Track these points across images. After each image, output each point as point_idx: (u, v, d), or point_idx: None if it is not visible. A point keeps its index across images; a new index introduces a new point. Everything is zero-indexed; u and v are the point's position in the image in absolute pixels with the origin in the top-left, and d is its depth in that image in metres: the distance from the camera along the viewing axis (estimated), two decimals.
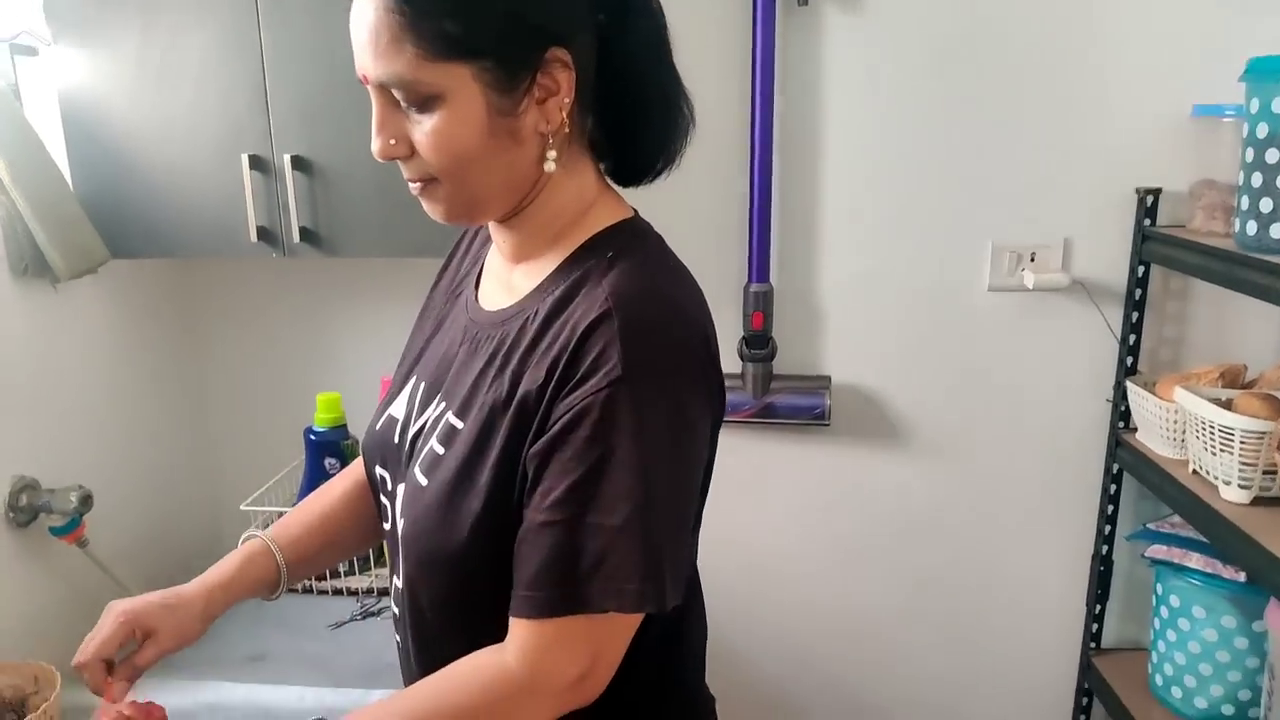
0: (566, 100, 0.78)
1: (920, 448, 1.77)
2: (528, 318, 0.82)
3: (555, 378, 0.77)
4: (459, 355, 0.87)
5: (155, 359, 1.68)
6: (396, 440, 0.90)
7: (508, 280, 0.88)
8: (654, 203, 1.68)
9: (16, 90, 1.44)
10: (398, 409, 0.93)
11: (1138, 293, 1.63)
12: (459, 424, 0.83)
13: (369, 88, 0.78)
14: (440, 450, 0.83)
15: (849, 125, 1.65)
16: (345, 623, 1.35)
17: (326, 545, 1.05)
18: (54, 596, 1.41)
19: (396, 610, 0.93)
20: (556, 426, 0.75)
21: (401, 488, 0.88)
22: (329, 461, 1.43)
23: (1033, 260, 1.67)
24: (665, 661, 0.91)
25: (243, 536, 1.04)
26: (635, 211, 0.89)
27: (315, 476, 1.42)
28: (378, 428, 0.95)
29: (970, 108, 1.62)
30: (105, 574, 1.45)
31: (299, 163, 1.40)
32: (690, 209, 1.69)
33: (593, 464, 0.74)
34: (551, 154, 0.79)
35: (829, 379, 1.74)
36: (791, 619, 1.87)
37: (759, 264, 1.67)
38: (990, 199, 1.66)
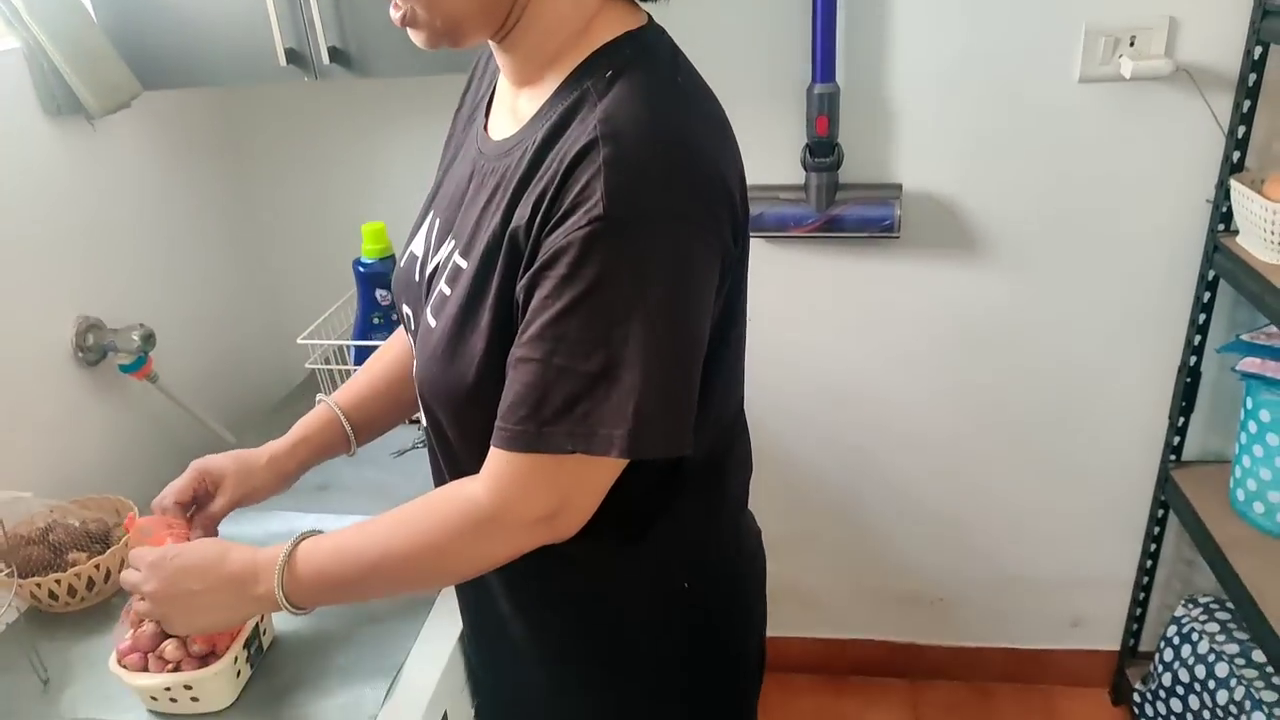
0: None
1: (1000, 257, 1.67)
2: (525, 148, 0.76)
3: (541, 212, 0.72)
4: (468, 192, 0.83)
5: (201, 193, 1.67)
6: (417, 279, 0.88)
7: (514, 106, 0.82)
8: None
9: None
10: (417, 246, 0.90)
11: (1251, 78, 1.44)
12: (464, 264, 0.79)
13: None
14: (447, 291, 0.81)
15: None
16: (407, 450, 1.38)
17: (391, 405, 1.07)
18: (131, 431, 1.48)
19: (427, 442, 0.94)
20: (538, 263, 0.71)
21: (419, 327, 0.86)
22: (380, 293, 1.42)
23: (1132, 45, 1.48)
24: (706, 503, 0.90)
25: (316, 399, 1.08)
26: (649, 19, 0.80)
27: (368, 309, 1.42)
28: (402, 265, 0.93)
29: None
30: (178, 406, 1.50)
31: None
32: (745, 4, 1.54)
33: (565, 304, 0.70)
34: None
35: (900, 187, 1.62)
36: (856, 431, 1.86)
37: (823, 62, 1.52)
38: None
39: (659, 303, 0.70)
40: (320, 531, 0.89)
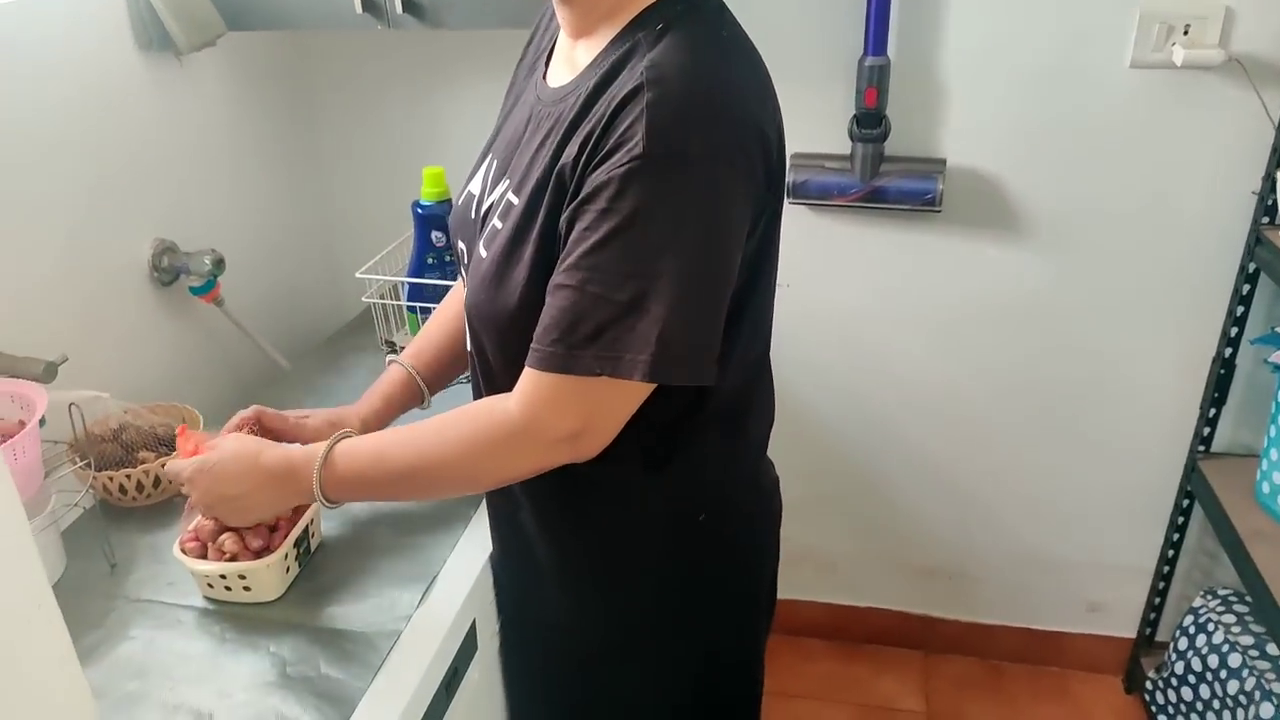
0: None
1: (1038, 239, 1.69)
2: (579, 94, 0.81)
3: (587, 150, 0.77)
4: (525, 134, 0.89)
5: (273, 130, 1.76)
6: (473, 216, 0.94)
7: (571, 56, 0.87)
8: None
9: None
10: (475, 185, 0.96)
11: None
12: (515, 200, 0.85)
13: None
14: (499, 225, 0.87)
15: None
16: (452, 384, 1.45)
17: (455, 357, 1.14)
18: (197, 349, 1.57)
19: (469, 373, 1.01)
20: (581, 196, 0.77)
21: (473, 260, 0.92)
22: (435, 235, 1.49)
23: (1186, 33, 1.50)
24: (727, 441, 0.95)
25: (388, 360, 1.16)
26: None
27: (423, 249, 1.49)
28: (459, 204, 0.99)
29: None
30: (239, 330, 1.60)
31: None
32: None
33: (602, 236, 0.75)
34: None
35: (944, 162, 1.66)
36: (884, 399, 1.89)
37: (876, 35, 1.56)
38: None
39: (690, 239, 0.75)
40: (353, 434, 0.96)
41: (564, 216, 0.79)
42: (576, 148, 0.78)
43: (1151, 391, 1.77)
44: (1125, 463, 1.84)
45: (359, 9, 1.44)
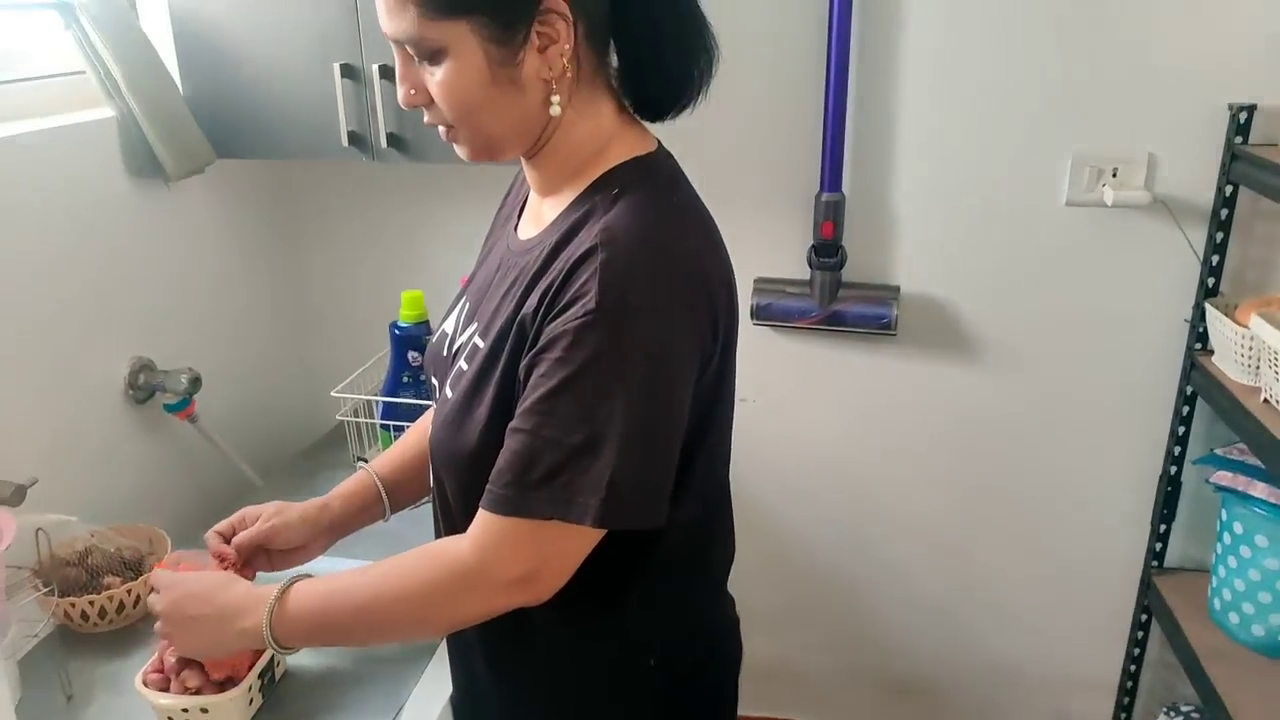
0: (566, 47, 0.81)
1: (989, 361, 1.78)
2: (542, 249, 0.87)
3: (545, 303, 0.82)
4: (494, 281, 0.94)
5: (256, 254, 1.82)
6: (445, 354, 0.98)
7: (538, 212, 0.93)
8: (727, 112, 1.71)
9: (133, 3, 1.55)
10: (449, 325, 1.01)
11: (1224, 213, 1.57)
12: (481, 344, 0.90)
13: (392, 42, 0.83)
14: (465, 367, 0.91)
15: (927, 33, 1.61)
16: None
17: (424, 474, 1.12)
18: (169, 465, 1.58)
19: (433, 505, 1.02)
20: (539, 346, 0.81)
21: (440, 398, 0.96)
22: (411, 354, 1.53)
23: (1115, 175, 1.62)
24: (683, 580, 0.97)
25: (356, 465, 1.16)
26: (658, 144, 0.91)
27: (399, 368, 1.54)
28: (433, 341, 1.03)
29: (1055, 15, 1.57)
30: (213, 447, 1.61)
31: (386, 72, 1.47)
32: (765, 117, 1.69)
33: (556, 384, 0.79)
34: (555, 98, 0.83)
35: (898, 289, 1.75)
36: (851, 514, 1.93)
37: (831, 173, 1.67)
38: (1072, 111, 1.61)
39: (639, 387, 0.79)
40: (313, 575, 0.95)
41: (523, 364, 0.83)
42: (536, 300, 0.83)
43: (1106, 507, 1.83)
44: (1086, 577, 1.88)
45: (345, 142, 1.52)
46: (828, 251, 1.72)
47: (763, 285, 1.77)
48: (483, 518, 0.83)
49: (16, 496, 1.15)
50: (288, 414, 1.90)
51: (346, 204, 1.88)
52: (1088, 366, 1.75)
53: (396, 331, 1.54)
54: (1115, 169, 1.62)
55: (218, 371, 1.64)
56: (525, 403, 0.81)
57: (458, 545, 0.85)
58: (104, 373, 1.45)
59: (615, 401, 0.78)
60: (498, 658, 0.99)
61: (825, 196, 1.68)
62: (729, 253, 0.91)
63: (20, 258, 1.29)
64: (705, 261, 0.86)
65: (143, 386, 1.49)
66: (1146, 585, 1.83)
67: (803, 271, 1.75)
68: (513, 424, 0.82)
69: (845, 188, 1.69)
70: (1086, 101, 1.60)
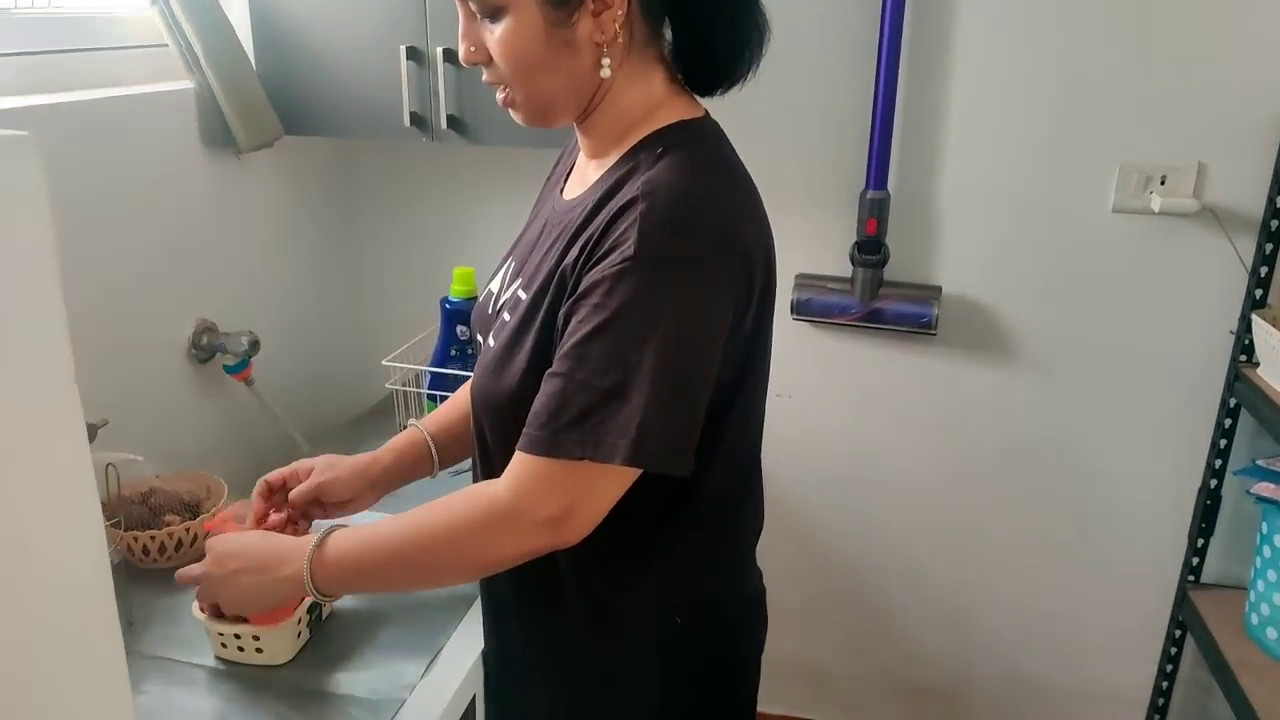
0: (620, 13, 0.85)
1: (1029, 364, 1.79)
2: (585, 206, 0.91)
3: (585, 252, 0.86)
4: (539, 239, 0.98)
5: (317, 226, 1.89)
6: (490, 311, 1.02)
7: (584, 174, 0.97)
8: (777, 106, 1.73)
9: None
10: (495, 284, 1.05)
11: (1274, 224, 1.57)
12: (524, 296, 0.93)
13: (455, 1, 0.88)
14: (507, 318, 0.95)
15: (978, 37, 1.64)
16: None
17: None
18: (225, 424, 1.65)
19: (471, 451, 1.06)
20: (577, 293, 0.85)
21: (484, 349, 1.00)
22: (460, 329, 1.58)
23: (1163, 183, 1.63)
24: (712, 543, 1.00)
25: (407, 423, 1.20)
26: (705, 113, 0.95)
27: (448, 341, 1.59)
28: (480, 300, 1.08)
29: (1107, 23, 1.58)
30: (266, 410, 1.67)
31: (449, 55, 1.52)
32: (814, 113, 1.73)
33: (592, 329, 0.82)
34: (606, 61, 0.87)
35: (939, 289, 1.76)
36: (880, 513, 1.95)
37: (877, 171, 1.69)
38: (1122, 116, 1.62)
39: (670, 334, 0.82)
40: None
41: (562, 311, 0.87)
42: (577, 250, 0.87)
43: (1141, 518, 1.82)
44: (1119, 588, 1.87)
45: (407, 123, 1.58)
46: (871, 249, 1.74)
47: (804, 281, 1.80)
48: (518, 459, 0.86)
49: (89, 433, 1.21)
50: (339, 382, 1.97)
51: (404, 182, 1.95)
52: (1128, 375, 1.75)
53: (447, 306, 1.59)
54: (1164, 176, 1.63)
55: (274, 337, 1.70)
56: (562, 348, 0.85)
57: (493, 486, 0.88)
58: (171, 331, 1.52)
59: (646, 348, 0.81)
60: (530, 613, 1.02)
61: (870, 194, 1.71)
62: (772, 238, 0.94)
63: (100, 216, 1.36)
64: (742, 219, 0.89)
65: (205, 347, 1.56)
66: (1182, 599, 1.81)
67: (845, 268, 1.78)
68: (550, 369, 0.85)
69: (890, 186, 1.71)
70: (1136, 108, 1.61)
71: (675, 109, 0.93)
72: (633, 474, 0.85)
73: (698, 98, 0.96)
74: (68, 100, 1.31)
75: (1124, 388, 1.76)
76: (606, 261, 0.83)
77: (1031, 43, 1.62)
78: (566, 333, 0.85)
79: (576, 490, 0.85)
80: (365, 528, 0.95)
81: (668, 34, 0.92)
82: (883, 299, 1.76)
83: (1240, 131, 1.57)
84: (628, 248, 0.82)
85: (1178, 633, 1.84)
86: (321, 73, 1.61)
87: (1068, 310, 1.74)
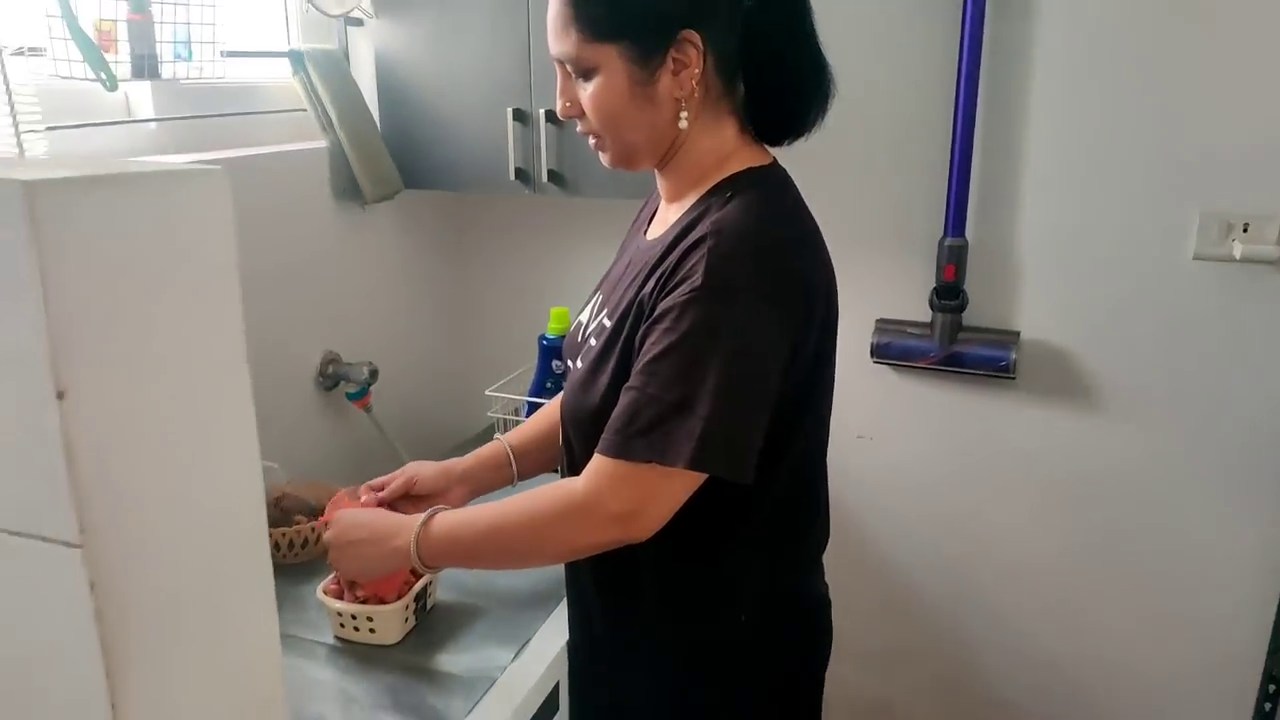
0: (696, 72, 0.97)
1: (1109, 411, 1.80)
2: (663, 244, 1.03)
3: (660, 283, 0.97)
4: (624, 275, 1.10)
5: (431, 269, 2.08)
6: (579, 339, 1.15)
7: (664, 217, 1.09)
8: (856, 155, 1.83)
9: (346, 53, 1.84)
10: (584, 316, 1.18)
11: None
12: (608, 324, 1.06)
13: (554, 63, 1.03)
14: (593, 343, 1.07)
15: (1055, 81, 1.69)
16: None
17: (548, 449, 1.32)
18: (345, 442, 1.82)
19: (558, 468, 1.19)
20: (652, 318, 0.96)
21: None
22: (555, 363, 1.71)
23: (1245, 230, 1.65)
24: (777, 546, 1.09)
25: (494, 435, 1.35)
26: (773, 161, 1.06)
27: (544, 374, 1.72)
28: (571, 330, 1.21)
29: (1184, 71, 1.62)
30: (381, 434, 1.83)
31: (551, 116, 1.68)
32: (892, 161, 1.81)
33: (662, 349, 0.93)
34: (684, 114, 1.00)
35: (1018, 334, 1.81)
36: (962, 558, 1.96)
37: (955, 219, 1.76)
38: (1203, 165, 1.64)
39: (731, 356, 0.93)
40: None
41: (639, 335, 0.99)
42: (653, 283, 0.99)
43: (1230, 571, 1.79)
44: (1205, 644, 1.84)
45: (512, 177, 1.74)
46: (949, 294, 1.80)
47: (884, 325, 1.87)
48: (595, 460, 0.97)
49: None
50: (446, 410, 2.13)
51: (508, 230, 2.12)
52: (1215, 426, 1.74)
53: (544, 342, 1.73)
54: (1246, 224, 1.65)
55: (391, 368, 1.87)
56: (637, 365, 0.96)
57: (573, 483, 1.00)
58: (302, 360, 1.71)
59: (710, 367, 0.92)
60: (611, 604, 1.13)
61: (949, 241, 1.78)
62: (837, 275, 1.04)
63: (244, 257, 1.54)
64: (802, 257, 1.00)
65: (330, 375, 1.73)
66: (1274, 654, 1.77)
67: (924, 313, 1.84)
68: (627, 382, 0.97)
69: (969, 233, 1.78)
70: (1217, 155, 1.63)
71: (745, 157, 1.04)
72: (697, 478, 0.95)
73: (767, 147, 1.08)
74: (224, 157, 1.52)
75: (1207, 436, 1.75)
76: (678, 291, 0.94)
77: (1111, 89, 1.67)
78: (641, 352, 0.97)
79: (644, 490, 0.95)
80: (465, 510, 1.09)
81: (740, 89, 1.04)
82: (962, 343, 1.82)
83: None
84: (696, 279, 0.93)
85: (1271, 688, 1.80)
86: (437, 133, 1.79)
87: (1149, 359, 1.75)
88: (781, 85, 1.03)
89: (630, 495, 0.96)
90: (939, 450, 1.93)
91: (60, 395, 0.58)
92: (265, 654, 0.78)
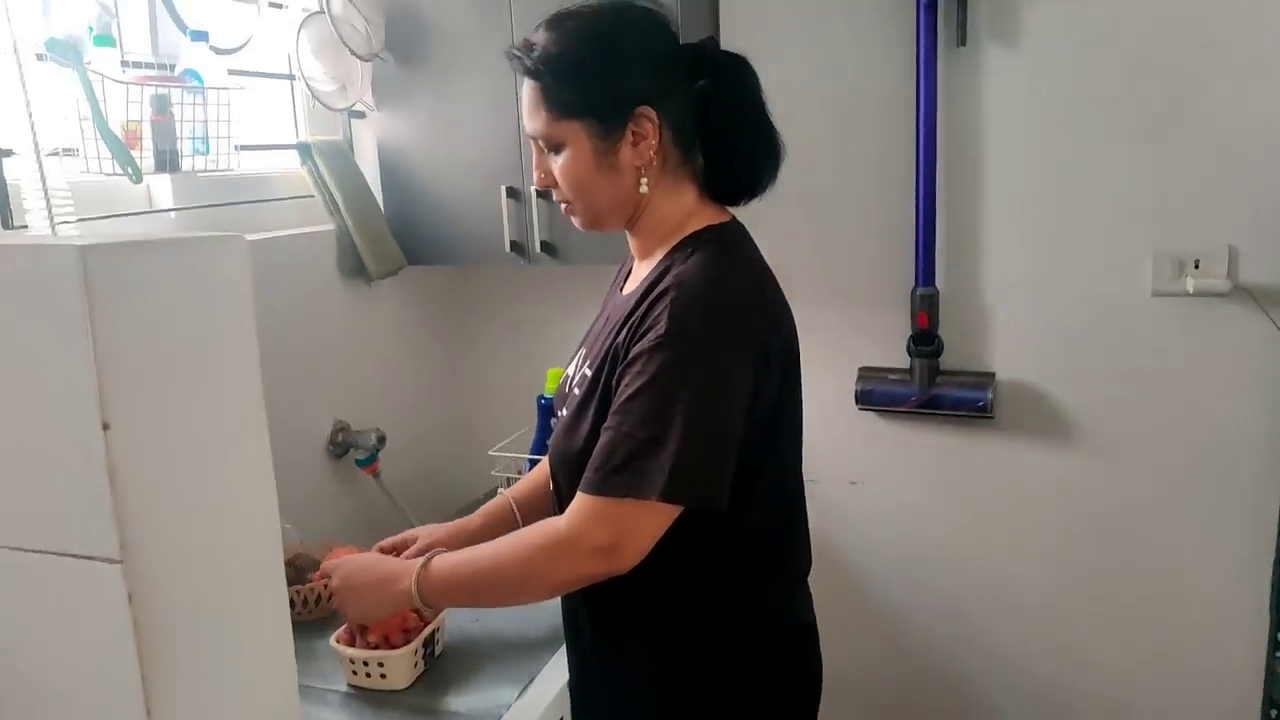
0: (653, 143, 1.09)
1: (1086, 445, 1.88)
2: (634, 297, 1.13)
3: (630, 332, 1.07)
4: (603, 329, 1.20)
5: (434, 339, 2.19)
6: (566, 389, 1.25)
7: (637, 274, 1.20)
8: (829, 218, 1.94)
9: (350, 143, 1.99)
10: (570, 368, 1.28)
11: None
12: (588, 373, 1.15)
13: (530, 139, 1.15)
14: (576, 392, 1.17)
15: (1010, 139, 1.82)
16: None
17: (549, 498, 1.38)
18: (355, 510, 1.90)
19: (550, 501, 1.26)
20: (624, 364, 1.06)
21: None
22: (553, 420, 1.80)
23: (1197, 267, 1.75)
24: (758, 572, 1.16)
25: (498, 490, 1.43)
26: (732, 219, 1.17)
27: (544, 432, 1.81)
28: (560, 383, 1.31)
29: (1133, 121, 1.74)
30: (389, 499, 1.92)
31: (542, 193, 1.81)
32: (863, 221, 1.92)
33: (634, 391, 1.03)
34: (645, 180, 1.11)
35: (993, 375, 1.90)
36: (957, 597, 2.02)
37: (924, 269, 1.87)
38: (1154, 209, 1.76)
39: (697, 395, 1.02)
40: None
41: (614, 379, 1.08)
42: (625, 332, 1.09)
43: (1219, 593, 1.84)
44: (1201, 666, 1.88)
45: (507, 249, 1.86)
46: (925, 340, 1.90)
47: (866, 373, 1.96)
48: (577, 498, 1.06)
49: None
50: (454, 469, 2.22)
51: (505, 298, 2.24)
52: (1180, 452, 1.82)
53: (542, 402, 1.82)
54: (1197, 260, 1.75)
55: (398, 433, 1.96)
56: (613, 407, 1.06)
57: (558, 520, 1.08)
58: (313, 429, 1.80)
59: (677, 406, 1.01)
60: (604, 639, 1.19)
61: (920, 290, 1.88)
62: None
63: (258, 333, 1.65)
64: (756, 305, 1.10)
65: (340, 443, 1.82)
66: (1271, 676, 1.81)
67: (903, 360, 1.93)
68: (604, 424, 1.06)
69: (939, 281, 1.89)
70: (1167, 199, 1.75)
71: (705, 216, 1.15)
72: (672, 510, 1.03)
73: (726, 207, 1.19)
74: None
75: (1181, 467, 1.82)
76: (646, 338, 1.04)
77: (1061, 141, 1.79)
78: (616, 394, 1.06)
79: (622, 524, 1.03)
80: (462, 551, 1.17)
81: (699, 157, 1.15)
82: (940, 386, 1.91)
83: (1263, 214, 1.69)
84: (660, 327, 1.03)
85: (1272, 711, 1.82)
86: (436, 212, 1.92)
87: (1117, 392, 1.83)
88: (734, 153, 1.14)
89: (610, 529, 1.03)
90: (924, 490, 2.00)
91: (105, 427, 0.67)
92: (281, 665, 0.85)
